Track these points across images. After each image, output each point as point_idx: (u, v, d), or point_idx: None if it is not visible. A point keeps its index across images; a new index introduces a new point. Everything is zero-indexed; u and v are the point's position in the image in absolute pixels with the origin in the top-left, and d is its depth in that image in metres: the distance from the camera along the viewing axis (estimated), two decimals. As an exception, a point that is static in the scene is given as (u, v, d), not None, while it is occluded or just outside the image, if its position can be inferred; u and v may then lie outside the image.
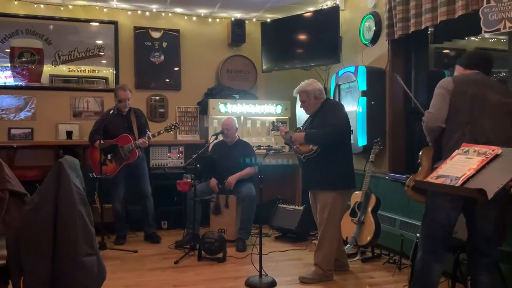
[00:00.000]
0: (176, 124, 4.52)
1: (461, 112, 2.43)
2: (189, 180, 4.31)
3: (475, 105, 2.43)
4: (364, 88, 4.33)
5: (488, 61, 2.67)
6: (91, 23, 5.45)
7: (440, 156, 2.46)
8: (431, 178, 2.19)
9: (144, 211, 4.61)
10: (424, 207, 2.55)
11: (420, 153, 2.79)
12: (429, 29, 4.09)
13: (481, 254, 2.42)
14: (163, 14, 5.67)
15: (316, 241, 3.63)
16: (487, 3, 2.98)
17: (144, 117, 4.84)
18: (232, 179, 4.45)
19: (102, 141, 4.33)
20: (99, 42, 5.48)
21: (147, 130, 4.50)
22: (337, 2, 5.23)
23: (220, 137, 4.67)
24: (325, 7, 5.40)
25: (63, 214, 1.99)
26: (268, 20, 5.74)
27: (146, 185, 4.62)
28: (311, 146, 3.36)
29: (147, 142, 4.42)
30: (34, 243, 1.99)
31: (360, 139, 4.34)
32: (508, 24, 2.86)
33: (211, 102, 5.38)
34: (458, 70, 2.68)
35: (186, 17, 5.77)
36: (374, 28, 4.55)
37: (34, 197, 2.07)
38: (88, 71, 5.46)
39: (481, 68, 2.61)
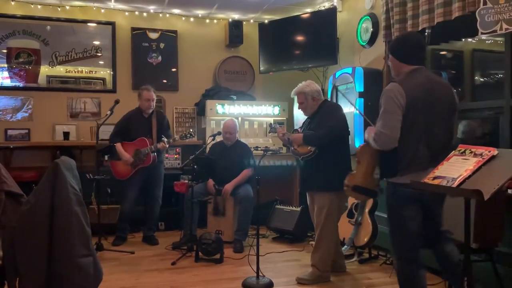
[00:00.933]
0: (192, 133, 4.46)
1: (414, 127, 2.31)
2: (186, 181, 4.30)
3: (426, 116, 2.32)
4: (362, 89, 4.34)
5: (424, 48, 2.48)
6: (88, 24, 5.44)
7: (393, 168, 2.35)
8: (428, 179, 2.20)
9: (149, 214, 4.57)
10: (389, 220, 2.48)
11: (360, 149, 2.65)
12: (426, 31, 4.10)
13: (440, 239, 2.49)
14: (160, 15, 5.67)
15: (313, 242, 3.63)
16: (483, 5, 2.99)
17: (166, 119, 4.74)
18: (229, 186, 4.44)
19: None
20: (96, 42, 5.47)
21: (162, 136, 4.43)
22: (335, 4, 5.24)
23: (218, 138, 4.66)
24: (323, 8, 5.41)
25: (59, 215, 1.99)
26: (266, 21, 5.74)
27: (158, 189, 4.58)
28: (309, 147, 3.36)
29: (167, 145, 4.40)
30: (30, 244, 1.98)
31: (357, 140, 4.34)
32: (504, 26, 2.87)
33: (209, 103, 5.38)
34: (395, 63, 2.46)
35: (183, 18, 5.78)
36: (372, 29, 4.56)
37: (30, 197, 2.07)
38: (86, 72, 5.46)
39: (420, 60, 2.42)
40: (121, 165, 4.43)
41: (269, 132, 3.98)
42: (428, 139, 2.32)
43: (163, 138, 4.38)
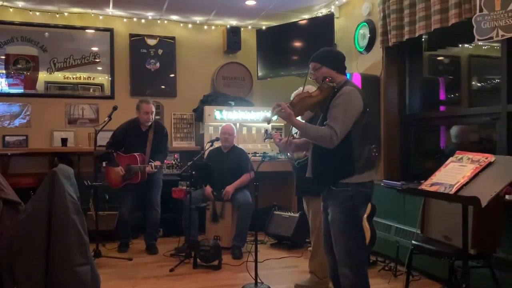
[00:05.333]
0: (180, 164, 4.41)
1: (368, 130, 2.46)
2: (184, 188, 4.29)
3: (372, 120, 2.55)
4: (359, 95, 4.34)
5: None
6: (86, 30, 5.46)
7: (350, 168, 2.38)
8: (426, 186, 2.21)
9: (147, 222, 4.53)
10: (345, 223, 2.42)
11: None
12: (423, 37, 4.12)
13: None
14: (158, 21, 5.69)
15: (311, 248, 3.63)
16: (480, 12, 3.01)
17: (165, 134, 4.61)
18: (230, 188, 4.44)
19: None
20: (94, 49, 5.48)
21: (151, 160, 4.38)
22: (332, 10, 5.26)
23: (216, 144, 4.66)
24: (320, 14, 5.43)
25: (56, 224, 1.99)
26: (264, 27, 5.76)
27: (154, 195, 4.51)
28: (304, 152, 3.36)
29: (154, 170, 4.33)
30: (28, 252, 1.98)
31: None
32: (500, 33, 2.89)
33: (207, 109, 5.39)
34: (330, 73, 2.50)
35: (181, 25, 5.79)
36: (369, 35, 4.58)
37: (27, 206, 2.07)
38: (84, 78, 5.46)
39: (345, 73, 2.59)
40: (113, 174, 4.42)
41: (264, 139, 3.94)
42: (375, 139, 2.49)
43: (150, 162, 4.34)
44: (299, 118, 2.58)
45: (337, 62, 2.56)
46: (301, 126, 2.44)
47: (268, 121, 2.53)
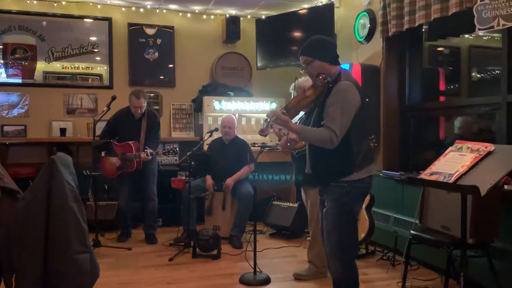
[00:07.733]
0: (175, 149, 4.39)
1: (364, 125, 2.40)
2: (183, 178, 4.29)
3: (368, 114, 2.46)
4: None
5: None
6: (84, 20, 5.41)
7: (348, 167, 2.31)
8: (425, 175, 2.21)
9: (146, 211, 4.53)
10: (340, 218, 2.37)
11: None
12: (424, 27, 4.10)
13: None
14: (157, 10, 5.65)
15: (310, 238, 3.64)
16: (480, 1, 2.99)
17: (158, 121, 4.62)
18: (230, 181, 4.44)
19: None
20: (93, 38, 5.44)
21: (146, 148, 4.35)
22: (332, -1, 5.23)
23: (215, 135, 4.65)
24: (320, 4, 5.39)
25: (55, 212, 1.98)
26: (263, 17, 5.72)
27: (150, 185, 4.51)
28: (304, 142, 3.35)
29: (149, 157, 4.31)
30: (26, 240, 1.98)
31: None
32: (501, 22, 2.87)
33: (206, 99, 5.37)
34: (322, 66, 2.39)
35: (180, 14, 5.75)
36: (369, 25, 4.55)
37: (26, 194, 2.07)
38: (82, 68, 5.44)
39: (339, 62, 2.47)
40: (108, 164, 4.41)
41: (264, 128, 3.88)
42: (372, 131, 2.46)
43: (146, 150, 4.32)
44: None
45: (329, 53, 2.43)
46: (299, 131, 2.37)
47: (265, 134, 2.41)
